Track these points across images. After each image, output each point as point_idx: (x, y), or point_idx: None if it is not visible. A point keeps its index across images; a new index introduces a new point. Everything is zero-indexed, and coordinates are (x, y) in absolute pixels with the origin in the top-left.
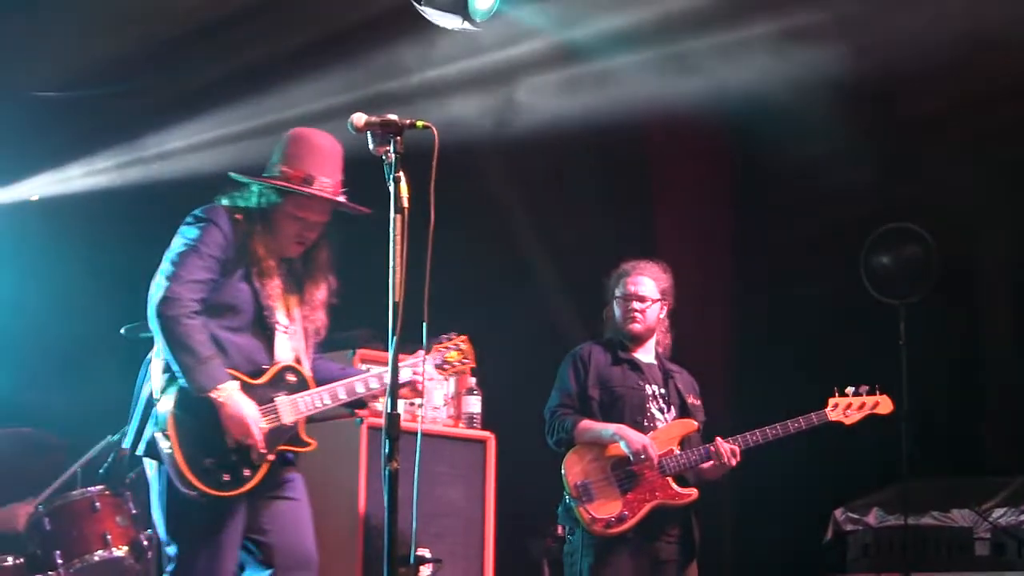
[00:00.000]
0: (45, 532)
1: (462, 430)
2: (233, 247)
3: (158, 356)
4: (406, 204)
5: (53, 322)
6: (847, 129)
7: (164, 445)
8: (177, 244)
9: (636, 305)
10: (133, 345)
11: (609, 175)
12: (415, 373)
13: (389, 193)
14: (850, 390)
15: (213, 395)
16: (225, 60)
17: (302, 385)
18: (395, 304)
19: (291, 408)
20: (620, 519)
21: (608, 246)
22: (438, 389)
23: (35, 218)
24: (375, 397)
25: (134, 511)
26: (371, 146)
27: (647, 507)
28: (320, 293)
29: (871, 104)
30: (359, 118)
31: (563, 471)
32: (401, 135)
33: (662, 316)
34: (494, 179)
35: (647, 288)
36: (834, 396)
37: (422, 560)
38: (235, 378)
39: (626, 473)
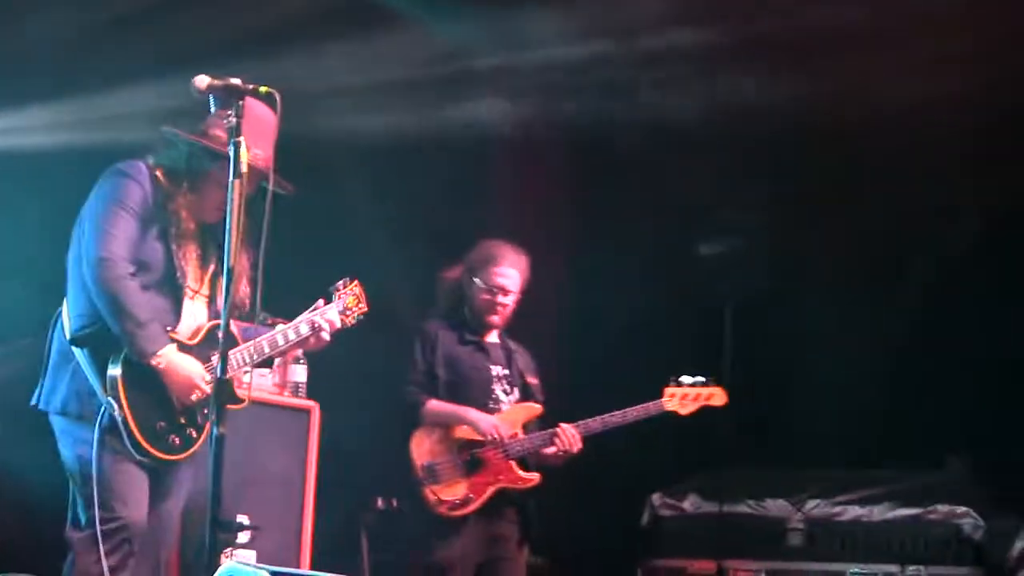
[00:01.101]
0: None
1: (287, 398)
2: (151, 204)
3: (71, 308)
4: (244, 169)
5: None
6: (689, 124)
7: (116, 411)
8: (99, 200)
9: (502, 299)
10: None
11: (455, 170)
12: (313, 324)
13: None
14: (686, 380)
15: (154, 361)
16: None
17: (231, 343)
18: (229, 270)
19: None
20: (465, 502)
21: (445, 234)
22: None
23: None
24: (303, 344)
25: None
26: (212, 109)
27: (491, 490)
28: (240, 264)
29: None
30: (201, 80)
31: (410, 451)
32: (243, 99)
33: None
34: (342, 164)
35: (513, 282)
36: (670, 386)
37: (240, 527)
38: (173, 340)
39: (471, 456)
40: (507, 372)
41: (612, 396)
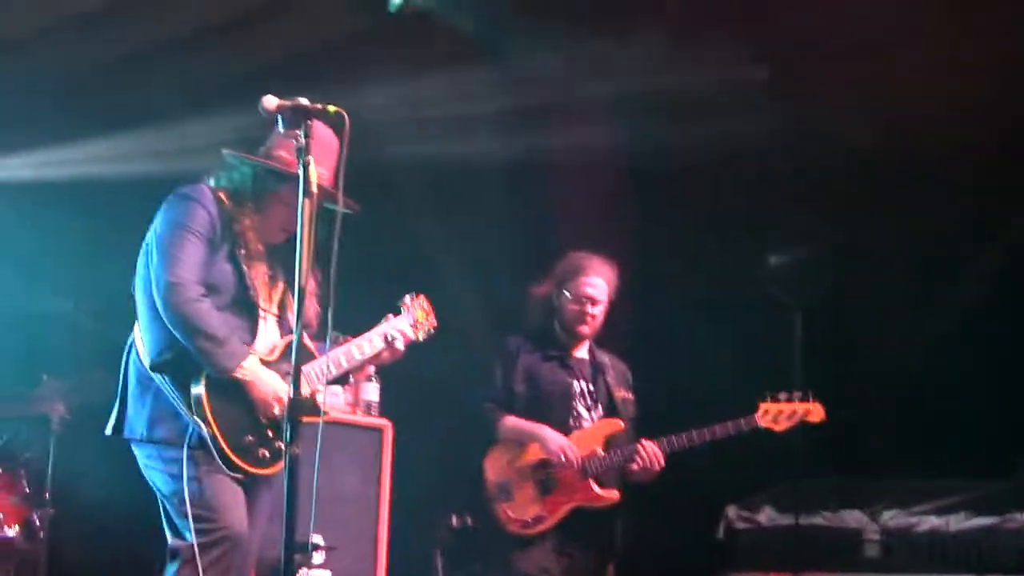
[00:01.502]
0: None
1: (360, 417)
2: (218, 227)
3: (146, 336)
4: (315, 189)
5: None
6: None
7: (204, 429)
8: (165, 225)
9: (591, 309)
10: None
11: (515, 185)
12: (385, 336)
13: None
14: (782, 395)
15: (239, 374)
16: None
17: (308, 358)
18: (301, 289)
19: (305, 380)
20: (537, 520)
21: (509, 251)
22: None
23: None
24: (377, 357)
25: (27, 490)
26: (281, 130)
27: (566, 508)
28: (308, 284)
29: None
30: (270, 101)
31: (484, 468)
32: (312, 119)
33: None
34: (407, 186)
35: (601, 290)
36: (766, 401)
37: (315, 546)
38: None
39: (546, 474)
40: (591, 388)
41: (688, 411)
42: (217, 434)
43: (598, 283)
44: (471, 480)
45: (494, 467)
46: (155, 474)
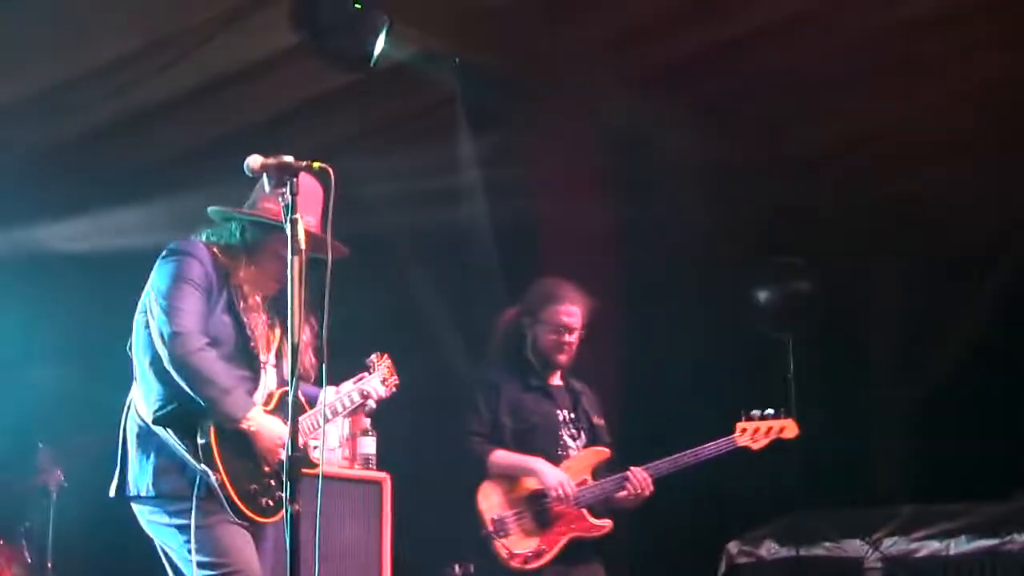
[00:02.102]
0: None
1: (357, 471)
2: (214, 279)
3: (146, 393)
4: (303, 246)
5: None
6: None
7: (212, 477)
8: (164, 279)
9: (568, 338)
10: None
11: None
12: (362, 392)
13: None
14: (756, 413)
15: (244, 424)
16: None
17: (300, 410)
18: (295, 346)
19: (300, 432)
20: (538, 554)
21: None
22: (333, 430)
23: None
24: (363, 408)
25: (30, 560)
26: (267, 188)
27: (563, 540)
28: (304, 334)
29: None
30: (255, 160)
31: (478, 504)
32: (297, 176)
33: None
34: (386, 223)
35: (577, 319)
36: (741, 421)
37: None
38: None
39: (542, 507)
40: (573, 416)
41: (683, 437)
42: (225, 481)
43: (574, 310)
44: (468, 521)
45: (489, 503)
46: (161, 528)
